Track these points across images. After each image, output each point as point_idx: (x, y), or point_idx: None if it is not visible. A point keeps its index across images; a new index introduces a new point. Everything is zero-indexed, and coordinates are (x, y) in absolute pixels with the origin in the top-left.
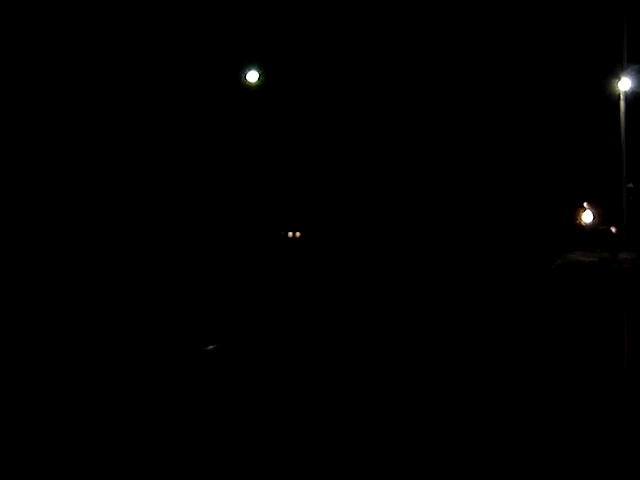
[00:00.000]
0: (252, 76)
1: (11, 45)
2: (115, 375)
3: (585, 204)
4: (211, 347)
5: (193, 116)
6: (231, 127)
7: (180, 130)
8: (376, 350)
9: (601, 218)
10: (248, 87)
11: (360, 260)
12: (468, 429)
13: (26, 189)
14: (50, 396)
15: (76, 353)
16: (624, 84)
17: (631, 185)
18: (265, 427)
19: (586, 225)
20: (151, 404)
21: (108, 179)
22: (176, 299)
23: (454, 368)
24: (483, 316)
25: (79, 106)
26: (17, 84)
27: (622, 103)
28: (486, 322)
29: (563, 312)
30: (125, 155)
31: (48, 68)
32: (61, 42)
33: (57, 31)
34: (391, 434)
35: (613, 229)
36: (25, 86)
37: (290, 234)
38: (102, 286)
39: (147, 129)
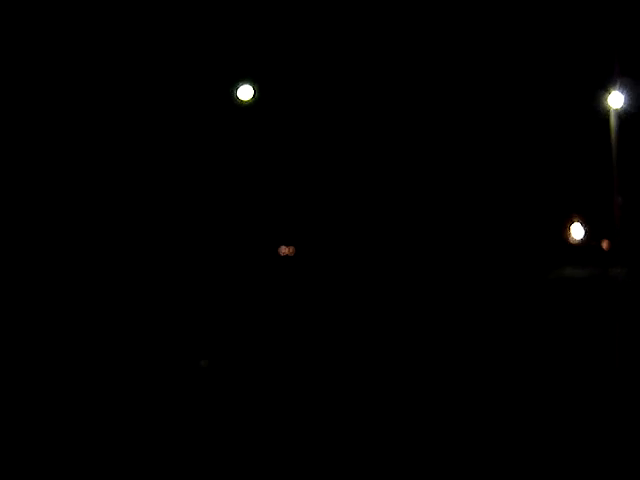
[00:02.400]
0: (245, 91)
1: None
2: (104, 392)
3: (575, 219)
4: (203, 362)
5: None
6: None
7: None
8: (371, 356)
9: (591, 233)
10: (241, 102)
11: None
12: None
13: (25, 194)
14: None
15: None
16: (615, 97)
17: (621, 200)
18: (262, 439)
19: (576, 240)
20: (141, 420)
21: (96, 194)
22: (165, 312)
23: (445, 378)
24: (471, 334)
25: (65, 123)
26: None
27: (612, 116)
28: (474, 340)
29: (552, 329)
30: (110, 167)
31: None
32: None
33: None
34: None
35: (604, 245)
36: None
37: (284, 249)
38: (91, 297)
39: (133, 139)
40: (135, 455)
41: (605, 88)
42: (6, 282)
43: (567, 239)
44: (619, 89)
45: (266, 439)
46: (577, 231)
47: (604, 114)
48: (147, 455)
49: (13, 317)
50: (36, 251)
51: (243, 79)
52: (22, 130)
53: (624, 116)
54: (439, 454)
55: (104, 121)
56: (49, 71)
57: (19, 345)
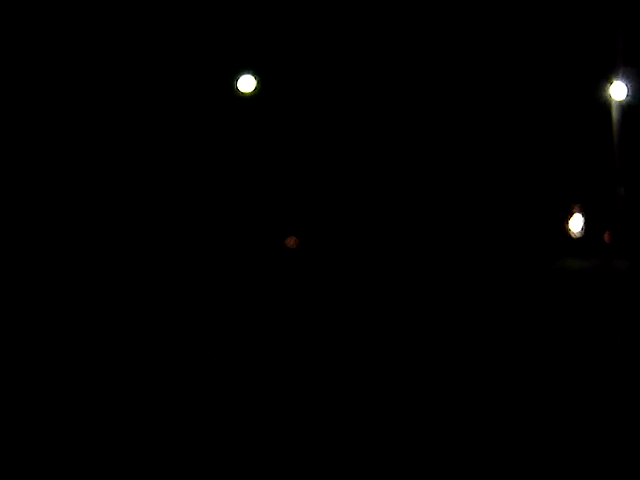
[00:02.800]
0: (247, 83)
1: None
2: (107, 385)
3: (576, 210)
4: (206, 354)
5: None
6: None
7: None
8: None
9: (592, 224)
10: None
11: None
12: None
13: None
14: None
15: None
16: (617, 89)
17: (623, 190)
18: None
19: (577, 231)
20: (145, 412)
21: (94, 191)
22: (168, 304)
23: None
24: (473, 325)
25: (63, 118)
26: None
27: (614, 108)
28: (476, 330)
29: (554, 320)
30: (105, 165)
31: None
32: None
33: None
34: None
35: (605, 236)
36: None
37: (290, 241)
38: (93, 291)
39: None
40: (135, 451)
41: (607, 80)
42: (6, 281)
43: (569, 231)
44: (621, 81)
45: (267, 434)
46: (579, 223)
47: (606, 106)
48: (147, 451)
49: (13, 314)
50: (36, 249)
51: (244, 71)
52: (18, 120)
53: (626, 108)
54: (439, 449)
55: (105, 112)
56: (53, 64)
57: (19, 342)
